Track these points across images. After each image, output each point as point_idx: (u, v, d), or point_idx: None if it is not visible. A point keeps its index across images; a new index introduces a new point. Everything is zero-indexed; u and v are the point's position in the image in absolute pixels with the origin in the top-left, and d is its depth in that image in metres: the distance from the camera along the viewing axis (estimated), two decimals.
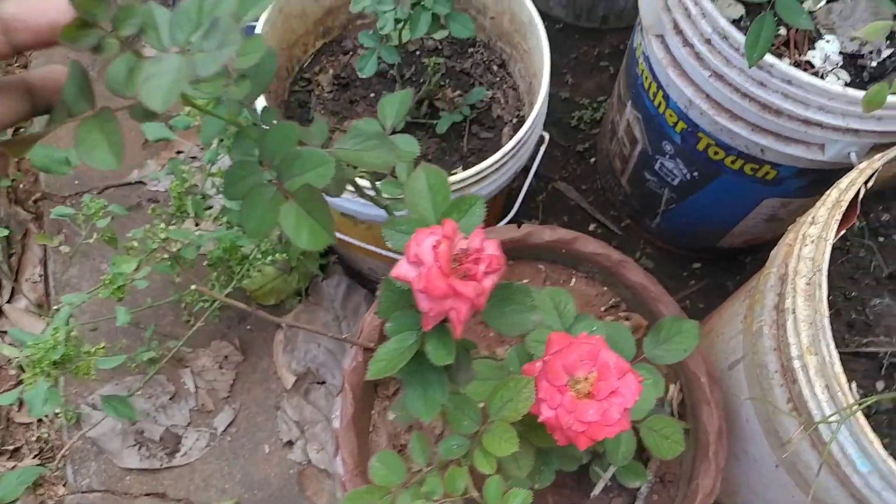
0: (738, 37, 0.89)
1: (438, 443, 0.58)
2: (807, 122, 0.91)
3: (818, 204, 0.85)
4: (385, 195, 0.65)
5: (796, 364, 0.77)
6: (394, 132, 0.58)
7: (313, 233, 0.37)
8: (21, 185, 1.55)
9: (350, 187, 0.57)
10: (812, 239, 0.81)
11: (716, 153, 1.07)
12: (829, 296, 0.85)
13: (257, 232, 0.38)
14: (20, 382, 1.35)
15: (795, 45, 0.98)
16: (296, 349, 1.31)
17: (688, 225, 1.32)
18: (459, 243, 0.42)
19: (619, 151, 1.34)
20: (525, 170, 1.12)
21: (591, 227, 1.50)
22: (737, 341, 0.96)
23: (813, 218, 0.84)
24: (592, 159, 1.55)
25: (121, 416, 0.83)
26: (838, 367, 0.72)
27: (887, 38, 0.98)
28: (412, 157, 0.49)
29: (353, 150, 0.41)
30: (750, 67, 0.89)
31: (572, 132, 1.58)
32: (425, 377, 0.46)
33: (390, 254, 1.13)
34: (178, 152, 1.45)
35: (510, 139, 0.98)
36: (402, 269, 0.42)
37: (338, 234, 1.15)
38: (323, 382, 1.29)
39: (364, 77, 1.17)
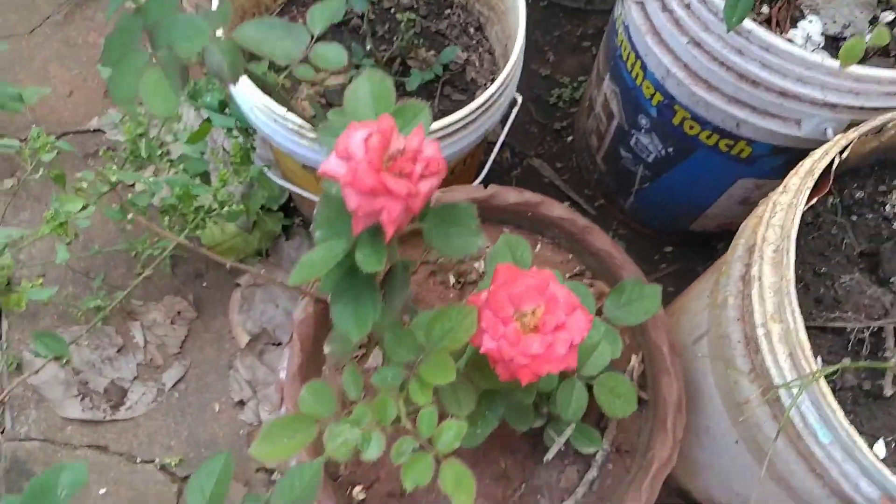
0: (718, 1, 0.87)
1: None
2: (784, 93, 0.90)
3: (791, 174, 0.83)
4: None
5: (760, 332, 0.75)
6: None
7: (166, 99, 0.36)
8: None
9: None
10: (782, 207, 0.79)
11: (691, 127, 1.05)
12: (798, 271, 0.83)
13: (123, 98, 0.36)
14: None
15: (778, 23, 0.97)
16: (252, 308, 1.27)
17: (661, 205, 1.30)
18: (396, 143, 0.39)
19: (596, 128, 1.32)
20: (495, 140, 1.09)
21: (565, 205, 1.46)
22: (702, 317, 0.94)
23: (785, 187, 0.82)
24: (569, 137, 1.53)
25: (52, 351, 0.79)
26: (803, 334, 0.70)
27: (869, 22, 0.97)
28: (338, 65, 0.46)
29: (254, 37, 0.38)
30: (728, 32, 0.87)
31: (551, 109, 1.55)
32: (357, 292, 0.43)
33: None
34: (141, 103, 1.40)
35: None
36: (331, 164, 0.38)
37: (300, 191, 1.11)
38: (279, 344, 1.25)
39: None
